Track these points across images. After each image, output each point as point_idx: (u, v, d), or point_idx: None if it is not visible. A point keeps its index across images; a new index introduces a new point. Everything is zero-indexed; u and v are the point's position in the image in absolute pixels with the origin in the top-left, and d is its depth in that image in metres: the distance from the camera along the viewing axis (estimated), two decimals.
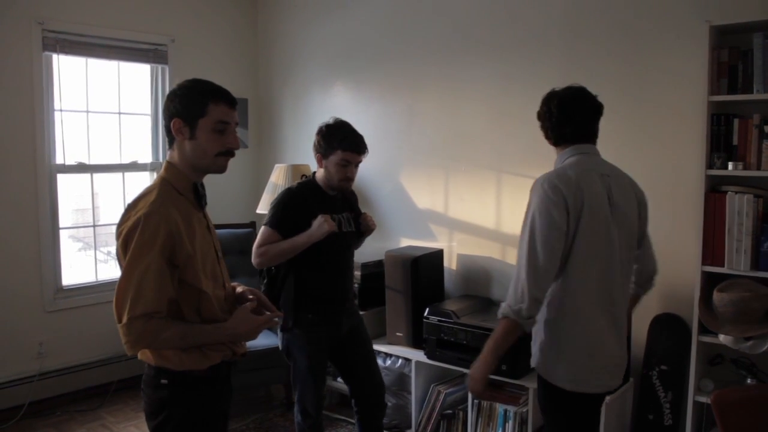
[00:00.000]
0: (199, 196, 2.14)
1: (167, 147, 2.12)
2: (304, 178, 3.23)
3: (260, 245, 3.05)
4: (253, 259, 3.08)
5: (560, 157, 2.44)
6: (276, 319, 2.25)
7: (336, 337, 3.19)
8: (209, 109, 2.03)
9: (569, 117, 2.40)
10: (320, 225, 2.96)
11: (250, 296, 2.26)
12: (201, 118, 2.03)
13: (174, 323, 2.00)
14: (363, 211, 3.38)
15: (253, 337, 2.16)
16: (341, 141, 3.02)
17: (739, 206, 2.99)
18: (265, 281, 3.18)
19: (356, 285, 4.05)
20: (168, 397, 2.07)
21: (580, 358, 2.34)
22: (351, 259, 3.29)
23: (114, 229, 2.05)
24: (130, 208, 2.01)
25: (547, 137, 2.48)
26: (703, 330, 3.12)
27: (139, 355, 2.09)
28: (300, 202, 3.07)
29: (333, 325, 3.17)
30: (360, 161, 3.11)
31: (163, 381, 2.06)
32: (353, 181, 3.15)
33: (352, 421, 4.23)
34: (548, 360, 2.39)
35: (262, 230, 3.08)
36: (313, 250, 3.02)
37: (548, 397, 2.43)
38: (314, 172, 3.19)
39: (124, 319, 1.92)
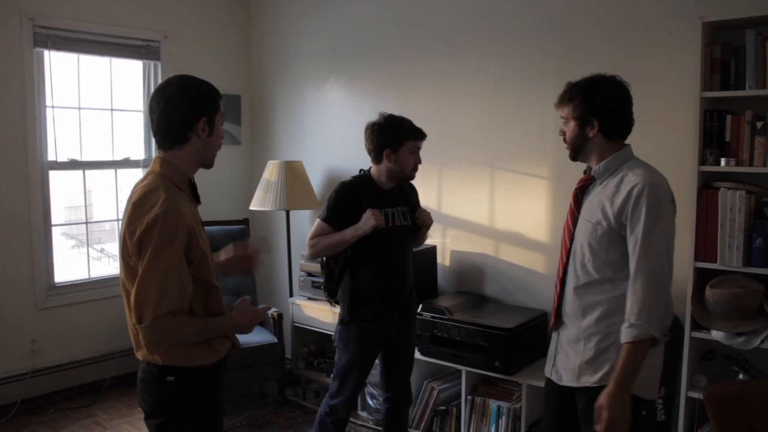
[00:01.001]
0: (196, 191, 2.17)
1: (164, 145, 2.08)
2: (361, 172, 3.26)
3: (312, 237, 3.15)
4: (307, 250, 3.21)
5: (620, 154, 2.31)
6: (268, 311, 2.30)
7: (387, 335, 3.22)
8: (220, 103, 2.13)
9: (629, 109, 2.32)
10: (367, 219, 3.01)
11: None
12: (216, 114, 2.11)
13: (193, 319, 2.02)
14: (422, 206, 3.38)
15: (252, 329, 2.21)
16: (411, 131, 3.13)
17: (732, 202, 3.00)
18: (325, 273, 3.27)
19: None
20: (175, 394, 2.07)
21: (658, 363, 2.31)
22: (406, 254, 3.26)
23: (107, 225, 2.05)
24: (139, 206, 1.97)
25: (606, 128, 2.28)
26: (696, 326, 3.13)
27: (141, 356, 2.08)
28: (352, 196, 3.12)
29: (384, 321, 3.19)
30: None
31: (170, 378, 2.05)
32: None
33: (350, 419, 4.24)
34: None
35: (315, 222, 3.17)
36: (365, 244, 3.08)
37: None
38: (363, 169, 3.25)
39: (149, 319, 1.90)
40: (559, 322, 2.44)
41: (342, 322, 3.21)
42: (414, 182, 3.33)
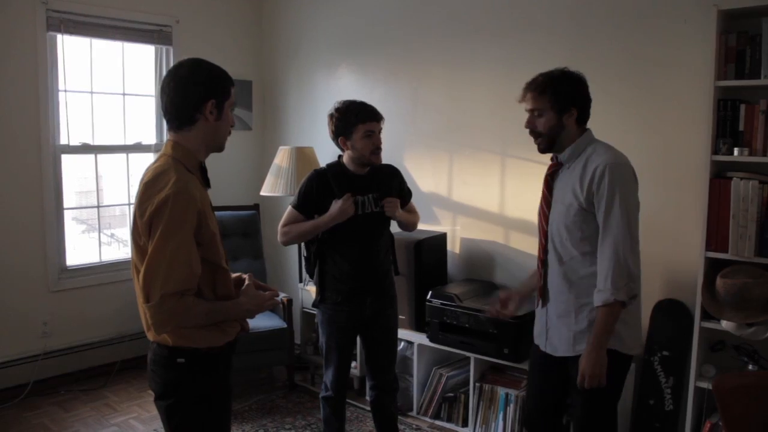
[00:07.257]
0: (206, 175, 2.18)
1: (173, 126, 2.10)
2: (339, 158, 3.23)
3: (284, 225, 3.16)
4: (278, 238, 3.20)
5: (583, 138, 2.51)
6: (276, 298, 2.29)
7: (360, 318, 3.21)
8: (231, 91, 2.14)
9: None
10: (342, 209, 3.02)
11: (244, 275, 2.27)
12: (227, 99, 2.11)
13: (200, 301, 2.03)
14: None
15: (258, 312, 2.22)
16: (359, 115, 3.05)
17: (744, 192, 2.98)
18: (306, 256, 3.31)
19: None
20: (185, 376, 2.08)
21: (637, 322, 2.56)
22: (378, 240, 3.21)
23: (117, 210, 2.06)
24: (150, 186, 1.99)
25: (580, 118, 2.51)
26: (706, 316, 3.12)
27: (152, 336, 2.09)
28: (323, 183, 3.12)
29: (355, 306, 3.18)
30: (381, 129, 3.11)
31: (180, 360, 2.06)
32: (381, 150, 3.13)
33: (354, 403, 4.26)
34: (619, 331, 2.44)
35: (287, 210, 3.17)
36: (334, 231, 3.09)
37: (614, 367, 2.45)
38: (339, 155, 3.21)
39: (156, 297, 1.91)
40: (545, 298, 2.62)
41: (314, 304, 3.28)
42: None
